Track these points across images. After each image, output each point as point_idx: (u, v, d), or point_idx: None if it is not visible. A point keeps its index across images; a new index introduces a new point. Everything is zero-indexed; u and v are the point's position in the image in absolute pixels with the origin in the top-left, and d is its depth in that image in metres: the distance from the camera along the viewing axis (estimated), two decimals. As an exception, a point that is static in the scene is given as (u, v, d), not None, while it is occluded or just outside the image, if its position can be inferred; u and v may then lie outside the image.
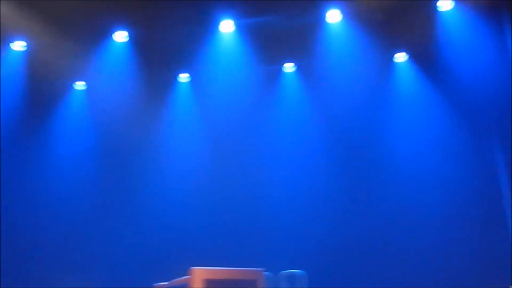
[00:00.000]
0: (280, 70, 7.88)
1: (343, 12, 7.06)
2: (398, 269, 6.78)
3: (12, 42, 7.20)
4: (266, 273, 5.10)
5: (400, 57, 7.63)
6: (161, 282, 4.65)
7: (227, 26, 7.29)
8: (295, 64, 7.84)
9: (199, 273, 4.10)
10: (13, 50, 7.27)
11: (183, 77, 7.98)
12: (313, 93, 7.74)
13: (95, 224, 7.40)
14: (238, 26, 7.29)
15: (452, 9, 6.84)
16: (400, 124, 7.42)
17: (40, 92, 7.48)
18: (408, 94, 7.52)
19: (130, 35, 7.31)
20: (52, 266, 7.17)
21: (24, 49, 7.27)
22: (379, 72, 7.53)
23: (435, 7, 6.84)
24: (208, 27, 7.28)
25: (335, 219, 7.27)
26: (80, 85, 7.95)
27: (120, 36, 7.31)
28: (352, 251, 7.04)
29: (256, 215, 7.35)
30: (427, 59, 7.27)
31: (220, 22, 7.24)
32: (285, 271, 6.42)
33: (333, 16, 7.12)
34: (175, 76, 7.95)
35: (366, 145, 7.47)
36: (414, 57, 7.52)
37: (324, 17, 7.12)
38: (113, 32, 7.26)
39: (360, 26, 7.11)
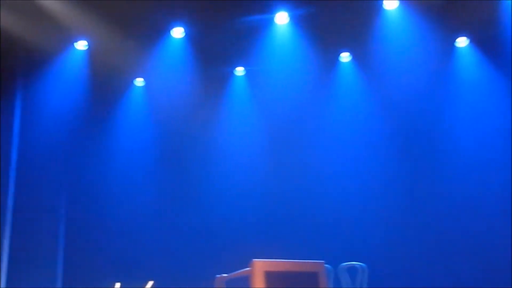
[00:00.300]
0: (335, 60, 7.78)
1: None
2: (463, 267, 6.58)
3: (76, 41, 7.47)
4: (326, 265, 5.09)
5: (462, 42, 7.37)
6: (223, 273, 4.72)
7: (282, 18, 7.27)
8: (351, 53, 7.71)
9: (260, 265, 4.12)
10: (77, 49, 7.55)
11: (239, 71, 8.02)
12: (371, 82, 7.60)
13: (156, 218, 7.58)
14: (293, 18, 7.25)
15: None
16: (463, 112, 7.19)
17: (101, 89, 7.72)
18: (471, 80, 7.27)
19: (186, 31, 7.42)
20: (114, 259, 7.40)
21: (86, 48, 7.53)
22: (440, 58, 7.31)
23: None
24: (263, 19, 7.29)
25: (395, 211, 7.15)
26: (140, 81, 8.15)
27: (178, 32, 7.44)
28: (413, 245, 6.90)
29: (315, 207, 7.33)
30: (490, 43, 7.00)
31: (275, 14, 7.23)
32: (345, 263, 6.39)
33: (390, 3, 6.96)
34: (232, 70, 8.00)
35: (427, 135, 7.30)
36: (476, 41, 7.24)
37: (380, 4, 6.98)
38: (171, 28, 7.40)
39: (419, 11, 6.93)
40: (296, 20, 7.28)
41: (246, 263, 4.21)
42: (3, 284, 6.41)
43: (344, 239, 7.01)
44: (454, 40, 7.36)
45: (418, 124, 7.34)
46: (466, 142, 7.08)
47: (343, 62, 7.81)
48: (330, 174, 7.46)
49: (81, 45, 7.52)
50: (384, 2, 6.95)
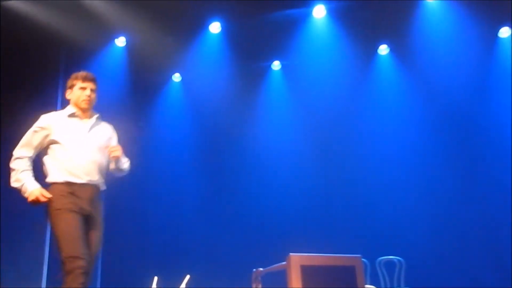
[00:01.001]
0: (374, 53, 7.67)
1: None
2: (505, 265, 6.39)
3: (116, 38, 7.60)
4: (363, 259, 5.04)
5: (505, 32, 7.16)
6: (260, 267, 4.73)
7: (319, 11, 7.22)
8: (389, 45, 7.60)
9: (297, 259, 4.11)
10: (116, 45, 7.69)
11: (276, 65, 8.01)
12: (410, 74, 7.47)
13: (195, 212, 7.66)
14: (330, 11, 7.19)
15: None
16: (507, 103, 6.95)
17: (140, 85, 7.85)
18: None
19: (223, 26, 7.45)
20: (152, 253, 7.51)
21: (124, 44, 7.66)
22: (482, 49, 7.12)
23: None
24: (301, 13, 7.26)
25: (435, 206, 7.00)
26: (177, 77, 8.24)
27: (215, 27, 7.48)
28: (453, 241, 6.74)
29: (353, 202, 7.24)
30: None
31: (312, 7, 7.19)
32: (382, 257, 6.32)
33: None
34: (269, 64, 7.99)
35: (470, 128, 7.11)
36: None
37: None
38: (208, 24, 7.44)
39: (459, 2, 6.77)
40: (333, 13, 7.21)
41: (283, 257, 4.22)
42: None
43: (381, 233, 6.90)
44: (496, 31, 7.15)
45: (461, 117, 7.16)
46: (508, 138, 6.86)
47: (381, 55, 7.70)
48: (368, 168, 7.37)
49: (121, 41, 7.66)
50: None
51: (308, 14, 7.28)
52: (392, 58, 7.65)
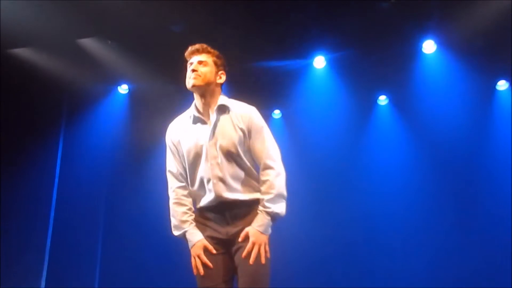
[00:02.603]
0: (373, 103, 7.76)
1: (437, 42, 6.88)
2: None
3: (119, 85, 7.72)
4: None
5: (503, 85, 7.26)
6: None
7: (319, 62, 7.35)
8: (388, 96, 7.69)
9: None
10: (119, 92, 7.79)
11: (276, 113, 8.09)
12: (408, 125, 7.54)
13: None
14: (330, 61, 7.31)
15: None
16: (504, 155, 7.00)
17: (142, 131, 7.90)
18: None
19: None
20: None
21: (126, 91, 7.77)
22: (480, 101, 7.22)
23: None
24: (301, 63, 7.39)
25: (435, 254, 6.95)
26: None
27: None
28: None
29: (351, 251, 7.19)
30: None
31: (313, 58, 7.32)
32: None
33: (429, 46, 6.96)
34: (270, 112, 8.07)
35: (467, 177, 7.13)
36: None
37: (419, 47, 6.98)
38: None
39: (457, 55, 6.90)
40: (333, 64, 7.34)
41: None
42: None
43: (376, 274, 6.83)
44: (494, 83, 7.26)
45: (460, 166, 7.19)
46: (508, 186, 6.86)
47: (380, 105, 7.78)
48: (368, 216, 7.33)
49: (123, 88, 7.77)
50: (423, 45, 6.93)
51: (309, 65, 7.41)
52: (391, 108, 7.73)
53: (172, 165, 3.23)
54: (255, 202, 3.07)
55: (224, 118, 3.12)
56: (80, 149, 7.63)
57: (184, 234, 3.12)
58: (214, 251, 3.04)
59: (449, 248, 6.96)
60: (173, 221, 3.18)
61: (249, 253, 2.95)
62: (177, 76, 7.36)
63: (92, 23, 6.26)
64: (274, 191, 3.04)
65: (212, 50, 3.25)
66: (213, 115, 3.12)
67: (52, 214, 7.09)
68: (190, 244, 3.09)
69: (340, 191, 7.48)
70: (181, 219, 3.13)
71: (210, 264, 3.01)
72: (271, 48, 6.95)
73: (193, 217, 3.15)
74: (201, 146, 3.09)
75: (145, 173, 7.92)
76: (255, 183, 3.11)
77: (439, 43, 6.90)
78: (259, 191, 3.09)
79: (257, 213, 3.04)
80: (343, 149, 7.56)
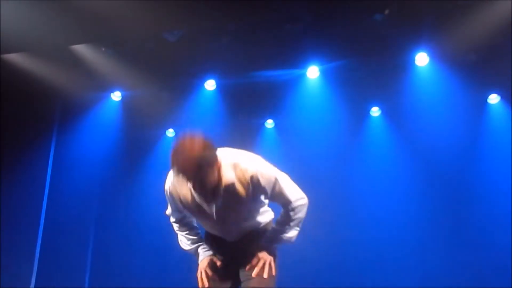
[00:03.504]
0: (366, 114, 7.79)
1: (430, 54, 6.93)
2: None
3: (112, 92, 7.70)
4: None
5: (494, 99, 7.31)
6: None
7: (313, 72, 7.37)
8: (381, 107, 7.72)
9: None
10: (112, 99, 7.78)
11: (269, 123, 8.09)
12: (401, 136, 7.56)
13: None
14: (324, 72, 7.34)
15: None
16: (495, 168, 7.04)
17: (134, 139, 7.89)
18: (503, 136, 7.15)
19: (218, 83, 7.57)
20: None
21: (120, 98, 7.75)
22: (471, 114, 7.26)
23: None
24: (295, 73, 7.41)
25: (428, 266, 6.96)
26: (171, 132, 8.28)
27: (210, 85, 7.59)
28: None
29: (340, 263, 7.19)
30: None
31: (306, 68, 7.34)
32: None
33: (422, 59, 7.01)
34: (262, 122, 8.08)
35: (459, 190, 7.15)
36: (507, 98, 7.16)
37: (412, 60, 7.03)
38: (204, 81, 7.56)
39: (450, 68, 6.94)
40: (326, 75, 7.36)
41: None
42: None
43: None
44: (486, 97, 7.31)
45: (451, 178, 7.21)
46: (501, 197, 6.90)
47: (373, 116, 7.81)
48: (358, 228, 7.33)
49: (116, 96, 7.75)
50: (416, 58, 6.98)
51: (302, 75, 7.43)
52: (384, 119, 7.76)
53: (172, 209, 3.31)
54: (262, 223, 3.25)
55: (231, 193, 2.95)
56: (71, 156, 7.61)
57: (196, 249, 3.26)
58: (219, 265, 3.17)
59: (441, 258, 6.98)
60: (183, 239, 3.31)
61: (253, 267, 3.04)
62: (171, 84, 7.46)
63: (86, 29, 6.24)
64: (295, 221, 3.22)
65: (197, 166, 2.85)
66: (216, 197, 2.95)
67: (42, 220, 7.07)
68: (200, 258, 3.22)
69: (333, 202, 7.46)
70: (190, 236, 3.27)
71: (216, 277, 3.13)
72: (265, 58, 6.98)
73: (199, 233, 3.29)
74: (209, 216, 3.07)
75: (138, 180, 7.91)
76: (263, 209, 3.25)
77: (431, 55, 6.93)
78: (268, 211, 3.29)
79: (266, 230, 3.20)
80: (336, 160, 7.57)
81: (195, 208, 3.05)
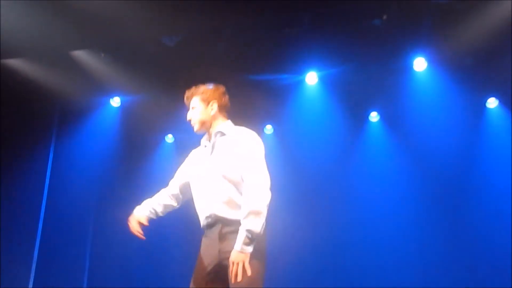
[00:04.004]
0: (364, 119, 7.80)
1: (428, 59, 6.95)
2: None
3: (111, 97, 7.71)
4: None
5: (492, 103, 7.32)
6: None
7: (311, 78, 7.38)
8: (380, 113, 7.73)
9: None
10: (112, 105, 7.78)
11: (268, 129, 8.09)
12: (399, 142, 7.56)
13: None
14: (322, 78, 7.35)
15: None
16: (494, 172, 7.04)
17: (133, 145, 7.89)
18: (502, 140, 7.15)
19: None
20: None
21: (119, 104, 7.76)
22: (470, 118, 7.27)
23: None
24: (293, 80, 7.42)
25: (427, 273, 6.94)
26: (170, 138, 8.28)
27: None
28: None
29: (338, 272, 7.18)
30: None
31: (305, 74, 7.35)
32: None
33: (420, 64, 7.02)
34: (262, 127, 8.07)
35: (458, 195, 7.15)
36: (505, 102, 7.16)
37: (410, 65, 7.05)
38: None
39: (448, 73, 6.96)
40: (325, 81, 7.37)
41: None
42: None
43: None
44: (484, 101, 7.31)
45: (449, 183, 7.21)
46: (501, 201, 6.89)
47: (372, 122, 7.82)
48: (356, 234, 7.32)
49: (115, 101, 7.76)
50: (414, 63, 7.00)
51: (301, 81, 7.44)
52: (383, 125, 7.77)
53: (177, 172, 3.65)
54: (233, 219, 3.21)
55: (221, 143, 3.36)
56: (70, 161, 7.62)
57: (145, 205, 3.60)
58: (144, 222, 3.51)
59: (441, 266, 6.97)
60: (153, 199, 3.66)
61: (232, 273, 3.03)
62: (170, 89, 7.46)
63: (85, 35, 6.26)
64: (246, 209, 3.06)
65: (197, 90, 3.53)
66: (211, 141, 3.40)
67: (40, 225, 7.07)
68: (138, 209, 3.61)
69: (332, 207, 7.46)
70: (157, 199, 3.63)
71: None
72: (264, 63, 6.99)
73: (155, 204, 3.60)
74: (201, 168, 3.39)
75: (136, 185, 7.89)
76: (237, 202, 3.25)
77: (430, 60, 6.95)
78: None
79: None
80: (334, 165, 7.56)
81: (195, 165, 3.45)
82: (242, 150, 3.24)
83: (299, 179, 7.68)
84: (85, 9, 5.73)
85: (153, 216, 3.59)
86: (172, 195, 3.61)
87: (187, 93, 3.55)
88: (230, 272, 3.01)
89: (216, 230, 3.22)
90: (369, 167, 7.67)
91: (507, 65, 6.39)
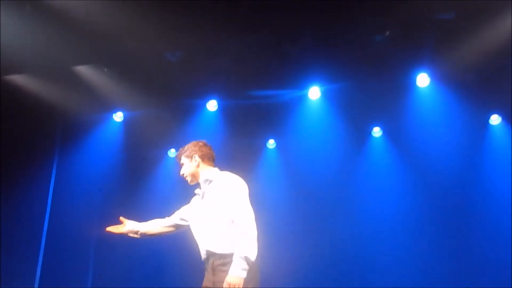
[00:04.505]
0: (367, 134, 7.79)
1: (431, 75, 6.95)
2: None
3: (114, 113, 7.72)
4: None
5: (495, 120, 7.31)
6: None
7: (314, 93, 7.38)
8: (382, 128, 7.72)
9: None
10: (114, 120, 7.79)
11: (271, 143, 8.09)
12: (402, 157, 7.56)
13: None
14: (325, 93, 7.35)
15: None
16: (497, 188, 7.02)
17: (136, 159, 7.89)
18: (504, 157, 7.13)
19: (219, 104, 7.59)
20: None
21: (121, 119, 7.77)
22: (473, 135, 7.26)
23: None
24: (296, 94, 7.43)
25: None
26: (173, 152, 8.27)
27: (211, 105, 7.61)
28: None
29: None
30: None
31: (307, 89, 7.36)
32: None
33: (422, 80, 7.02)
34: (264, 142, 8.08)
35: (460, 212, 7.12)
36: (508, 119, 7.17)
37: (413, 81, 7.05)
38: (206, 101, 7.59)
39: (451, 89, 6.96)
40: (328, 95, 7.37)
41: None
42: None
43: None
44: (487, 118, 7.30)
45: (452, 198, 7.20)
46: (504, 217, 6.85)
47: (374, 137, 7.81)
48: (360, 247, 7.29)
49: (118, 116, 7.77)
50: (417, 79, 7.00)
51: (304, 96, 7.45)
52: (385, 140, 7.76)
53: (177, 212, 4.12)
54: (227, 253, 3.63)
55: (210, 189, 3.82)
56: (73, 176, 7.62)
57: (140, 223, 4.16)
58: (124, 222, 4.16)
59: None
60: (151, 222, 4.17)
61: None
62: (172, 104, 7.48)
63: (88, 51, 6.29)
64: (242, 242, 3.52)
65: (182, 149, 3.99)
66: (202, 189, 3.88)
67: (44, 236, 7.08)
68: (129, 223, 4.19)
69: (334, 222, 7.44)
70: (154, 222, 4.17)
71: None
72: (267, 78, 7.01)
73: (149, 226, 4.15)
74: (196, 213, 3.89)
75: (139, 199, 7.90)
76: (234, 240, 3.62)
77: (432, 76, 6.95)
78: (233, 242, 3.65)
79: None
80: (337, 180, 7.55)
81: (193, 211, 3.91)
82: (228, 194, 3.68)
83: (301, 193, 7.67)
84: (88, 24, 5.76)
85: (139, 230, 4.15)
86: (166, 226, 4.14)
87: (177, 155, 4.02)
88: None
89: (210, 263, 3.70)
90: (372, 182, 7.66)
91: (510, 82, 6.38)
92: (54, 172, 7.41)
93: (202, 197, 3.85)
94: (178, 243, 7.53)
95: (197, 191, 3.93)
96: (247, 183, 3.82)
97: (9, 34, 5.75)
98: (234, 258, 3.49)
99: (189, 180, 3.93)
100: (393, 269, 7.11)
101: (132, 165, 7.90)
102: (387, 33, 6.35)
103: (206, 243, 3.72)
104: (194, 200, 4.02)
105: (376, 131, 7.77)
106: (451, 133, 7.15)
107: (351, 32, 6.31)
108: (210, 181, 3.83)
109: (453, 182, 7.18)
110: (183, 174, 3.93)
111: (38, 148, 7.25)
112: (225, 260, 3.59)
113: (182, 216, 4.06)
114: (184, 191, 8.02)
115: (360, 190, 7.64)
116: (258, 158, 8.04)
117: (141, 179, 8.09)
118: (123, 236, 7.47)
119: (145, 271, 7.70)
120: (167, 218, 4.13)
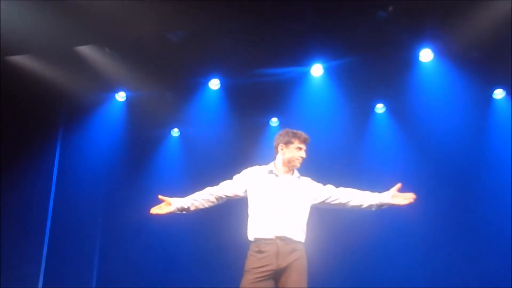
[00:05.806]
0: (370, 111, 7.77)
1: (434, 51, 6.90)
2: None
3: (116, 92, 7.73)
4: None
5: (499, 94, 7.28)
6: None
7: (317, 70, 7.35)
8: (386, 104, 7.69)
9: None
10: (117, 100, 7.80)
11: (274, 121, 8.09)
12: (405, 133, 7.54)
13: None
14: (328, 69, 7.32)
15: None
16: (499, 162, 7.02)
17: (139, 139, 7.91)
18: (508, 131, 7.11)
19: (222, 82, 7.58)
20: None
21: (124, 99, 7.78)
22: (476, 109, 7.23)
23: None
24: (299, 72, 7.40)
25: (433, 261, 6.98)
26: (176, 132, 8.30)
27: (214, 84, 7.61)
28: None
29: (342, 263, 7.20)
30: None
31: (311, 66, 7.32)
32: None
33: (426, 55, 6.98)
34: (267, 120, 8.07)
35: (463, 186, 7.13)
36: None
37: (416, 56, 7.00)
38: (208, 80, 7.58)
39: (455, 64, 6.91)
40: (330, 72, 7.34)
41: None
42: None
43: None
44: (491, 92, 7.27)
45: (456, 174, 7.20)
46: (506, 193, 6.86)
47: (378, 113, 7.79)
48: (364, 223, 7.31)
49: (121, 96, 7.78)
50: (420, 54, 6.95)
51: (306, 73, 7.41)
52: (389, 116, 7.73)
53: (231, 183, 4.10)
54: (302, 243, 3.97)
55: (298, 181, 4.18)
56: (77, 156, 7.66)
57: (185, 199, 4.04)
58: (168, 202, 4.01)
59: (447, 255, 6.99)
60: (197, 197, 4.07)
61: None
62: (175, 84, 7.47)
63: (90, 31, 6.27)
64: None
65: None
66: (292, 178, 4.15)
67: (49, 221, 7.13)
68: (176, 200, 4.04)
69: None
70: (199, 198, 4.06)
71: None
72: (269, 56, 6.98)
73: (197, 201, 4.04)
74: (279, 196, 3.99)
75: (142, 179, 7.94)
76: (305, 229, 4.01)
77: (436, 51, 6.91)
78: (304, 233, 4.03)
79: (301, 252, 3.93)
80: (341, 157, 7.55)
81: (265, 187, 4.02)
82: (317, 186, 4.29)
83: (305, 171, 7.66)
84: (90, 5, 5.73)
85: (189, 207, 4.03)
86: (214, 200, 4.10)
87: (309, 139, 4.41)
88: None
89: (275, 247, 3.81)
90: (375, 158, 7.65)
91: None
92: (58, 152, 7.45)
93: (286, 185, 4.04)
94: (184, 242, 7.65)
95: (276, 171, 4.12)
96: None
97: (12, 14, 5.74)
98: (374, 199, 4.36)
99: (299, 166, 4.24)
100: (397, 240, 7.16)
101: (136, 144, 7.92)
102: (390, 8, 6.29)
103: (282, 227, 3.86)
104: (265, 180, 4.07)
105: (379, 107, 7.75)
106: (454, 108, 7.12)
107: (353, 7, 6.26)
108: (300, 176, 4.19)
109: (457, 157, 7.17)
110: (303, 158, 4.24)
111: (41, 129, 7.29)
112: (294, 246, 3.88)
113: (234, 191, 4.07)
114: (187, 169, 8.11)
115: (364, 167, 7.63)
116: (261, 136, 8.04)
117: (145, 157, 8.12)
118: (126, 234, 7.62)
119: (150, 270, 7.70)
120: (214, 191, 4.08)
